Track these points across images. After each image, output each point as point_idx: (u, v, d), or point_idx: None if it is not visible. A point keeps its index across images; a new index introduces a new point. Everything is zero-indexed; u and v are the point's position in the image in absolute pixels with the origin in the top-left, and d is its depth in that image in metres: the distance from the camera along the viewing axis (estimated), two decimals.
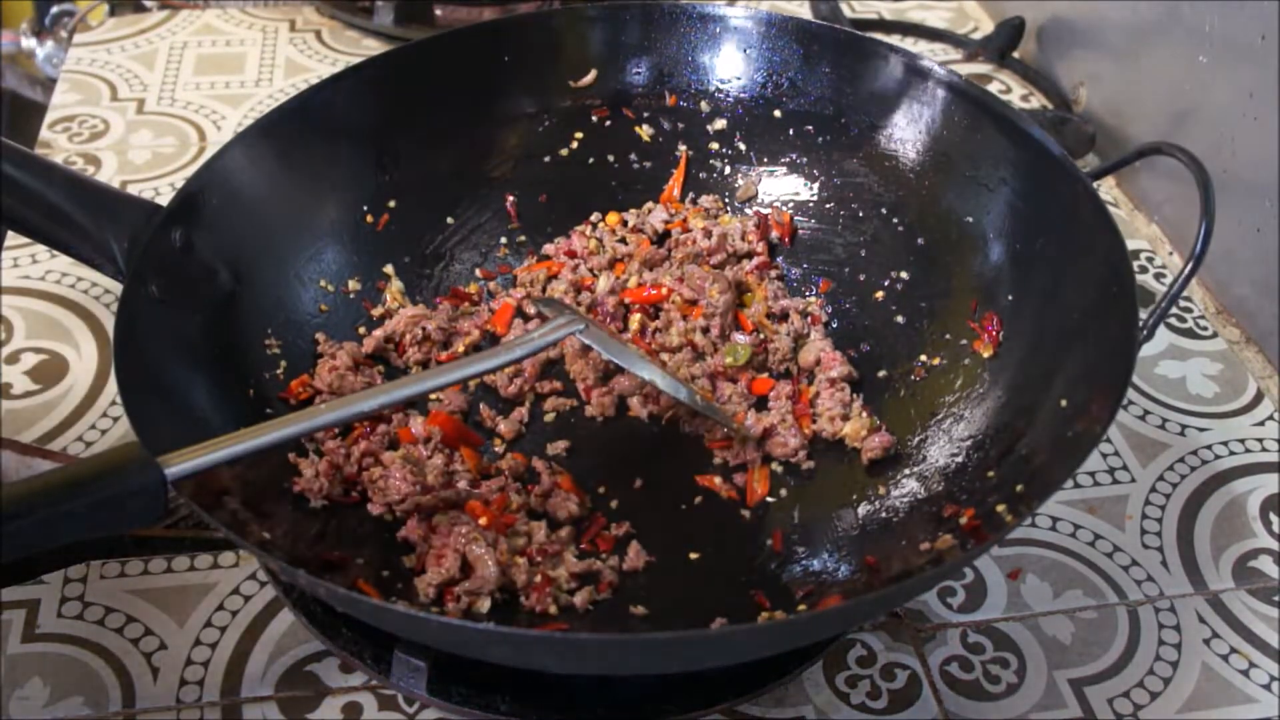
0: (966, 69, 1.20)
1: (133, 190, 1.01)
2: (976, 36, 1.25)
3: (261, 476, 0.68)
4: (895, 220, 0.84)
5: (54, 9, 1.26)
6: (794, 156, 0.89)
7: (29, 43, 1.27)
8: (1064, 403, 0.67)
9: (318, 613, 0.69)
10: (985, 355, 0.76)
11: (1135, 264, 0.97)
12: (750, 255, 0.87)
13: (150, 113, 1.12)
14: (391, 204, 0.85)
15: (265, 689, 0.67)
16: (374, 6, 1.22)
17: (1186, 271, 0.67)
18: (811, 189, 0.89)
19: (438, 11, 1.24)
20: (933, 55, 1.20)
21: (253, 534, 0.62)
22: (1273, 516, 0.78)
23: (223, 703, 0.66)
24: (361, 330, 0.82)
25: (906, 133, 0.84)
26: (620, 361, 0.76)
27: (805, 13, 1.26)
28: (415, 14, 1.23)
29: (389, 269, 0.84)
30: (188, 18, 1.26)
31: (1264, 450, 0.83)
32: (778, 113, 0.89)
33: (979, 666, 0.69)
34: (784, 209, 0.89)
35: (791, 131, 0.89)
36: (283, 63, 1.20)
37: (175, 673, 0.67)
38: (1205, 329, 0.92)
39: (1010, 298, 0.76)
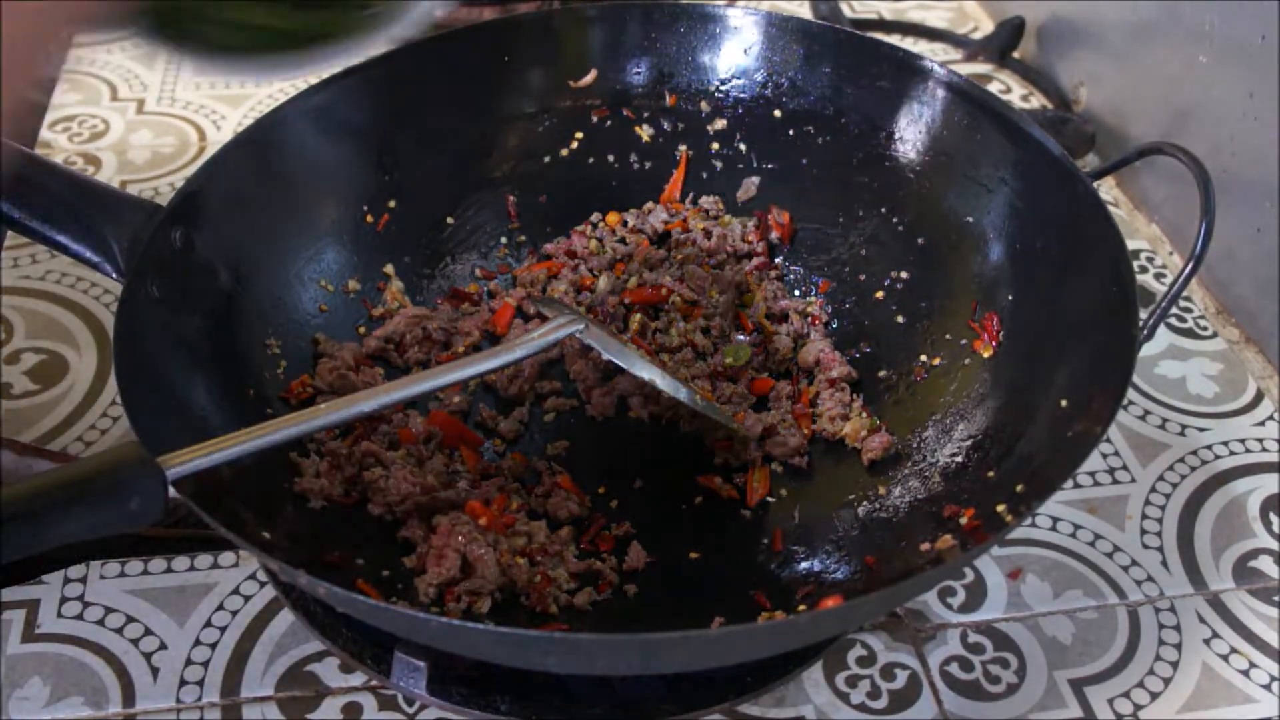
0: (966, 69, 1.20)
1: (133, 190, 1.01)
2: (976, 36, 1.25)
3: (261, 476, 0.68)
4: (895, 220, 0.84)
5: None
6: (794, 156, 0.89)
7: None
8: (1064, 403, 0.67)
9: (318, 613, 0.69)
10: (985, 355, 0.76)
11: (1135, 264, 0.97)
12: (750, 255, 0.87)
13: (150, 113, 1.12)
14: (391, 204, 0.85)
15: (265, 689, 0.67)
16: None
17: (1186, 271, 0.67)
18: (811, 189, 0.88)
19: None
20: (933, 55, 1.20)
21: (253, 534, 0.62)
22: (1273, 516, 0.78)
23: (223, 703, 0.66)
24: (361, 330, 0.82)
25: (906, 133, 0.84)
26: (620, 361, 0.76)
27: (805, 13, 1.26)
28: None
29: (389, 269, 0.84)
30: None
31: (1264, 450, 0.83)
32: (778, 113, 0.89)
33: (979, 666, 0.69)
34: (784, 209, 0.89)
35: (791, 131, 0.89)
36: None
37: (175, 673, 0.67)
38: (1205, 329, 0.92)
39: (1010, 298, 0.76)
